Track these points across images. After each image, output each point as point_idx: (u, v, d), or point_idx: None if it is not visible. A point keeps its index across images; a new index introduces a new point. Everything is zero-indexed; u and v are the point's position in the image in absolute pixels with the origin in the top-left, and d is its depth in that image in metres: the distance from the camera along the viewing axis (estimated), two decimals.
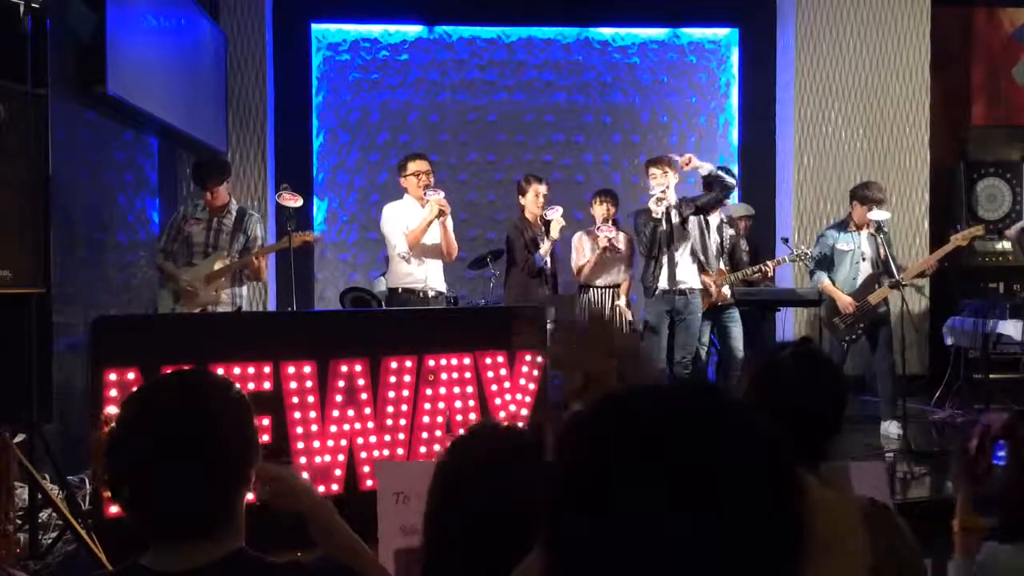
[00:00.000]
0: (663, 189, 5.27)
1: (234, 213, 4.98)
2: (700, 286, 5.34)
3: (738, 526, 0.67)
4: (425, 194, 4.97)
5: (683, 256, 5.32)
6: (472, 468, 1.37)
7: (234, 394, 1.38)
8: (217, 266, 4.83)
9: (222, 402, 1.35)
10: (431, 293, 5.09)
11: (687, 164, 5.24)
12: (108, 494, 3.11)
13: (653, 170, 5.39)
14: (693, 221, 5.36)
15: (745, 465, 0.69)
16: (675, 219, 5.29)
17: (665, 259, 5.28)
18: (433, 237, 5.02)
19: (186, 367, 3.17)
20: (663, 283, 5.29)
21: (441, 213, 4.91)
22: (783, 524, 0.70)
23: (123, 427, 1.31)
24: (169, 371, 3.16)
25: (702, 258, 5.37)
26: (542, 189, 5.52)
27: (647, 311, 5.40)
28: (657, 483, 0.67)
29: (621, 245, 5.35)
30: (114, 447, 1.30)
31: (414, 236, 4.98)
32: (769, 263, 5.68)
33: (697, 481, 0.67)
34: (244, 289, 5.02)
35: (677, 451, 0.68)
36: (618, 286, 5.40)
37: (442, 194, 4.96)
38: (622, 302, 5.47)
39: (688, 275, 5.32)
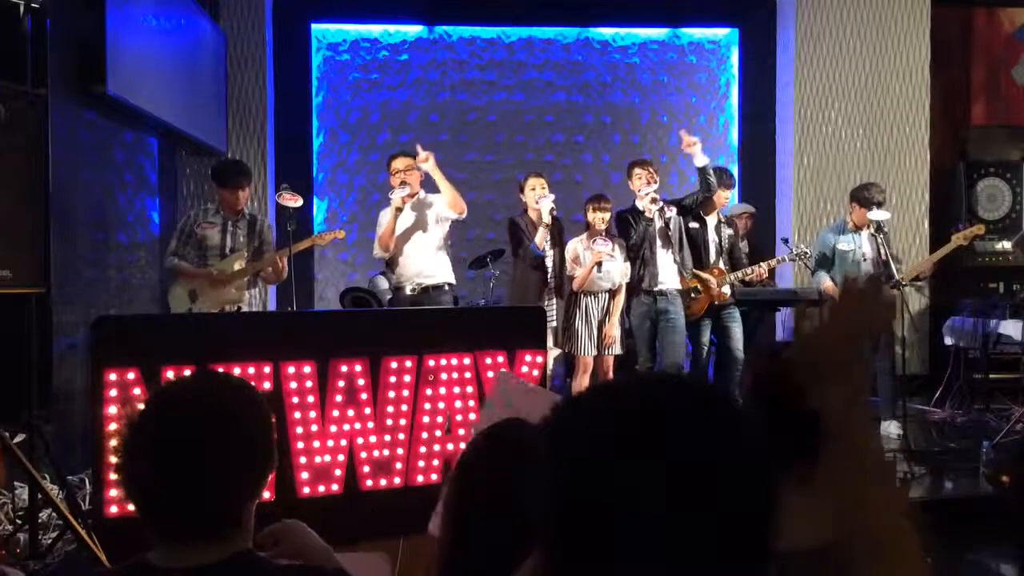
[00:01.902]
0: (655, 189, 5.32)
1: (247, 217, 5.05)
2: (680, 287, 5.39)
3: (724, 523, 0.67)
4: (391, 193, 5.02)
5: (665, 257, 5.38)
6: (496, 463, 1.37)
7: (250, 396, 1.38)
8: (237, 266, 4.87)
9: (237, 404, 1.34)
10: (420, 287, 5.08)
11: (690, 145, 5.29)
12: (113, 493, 3.11)
13: (638, 171, 5.45)
14: (675, 221, 5.41)
15: (733, 464, 0.69)
16: (659, 222, 5.33)
17: (649, 260, 5.34)
18: (405, 225, 5.06)
19: (186, 367, 3.19)
20: (645, 284, 5.37)
21: (398, 210, 4.97)
22: (764, 520, 0.70)
23: (137, 427, 1.31)
24: (171, 372, 3.18)
25: (680, 258, 5.41)
26: (539, 182, 5.54)
27: (631, 313, 5.43)
28: (641, 481, 0.67)
29: (617, 254, 5.34)
30: (126, 447, 1.30)
31: (382, 239, 5.06)
32: (764, 265, 5.69)
33: (683, 480, 0.67)
34: (256, 291, 5.06)
35: (661, 451, 0.68)
36: (615, 290, 5.38)
37: (407, 190, 4.99)
38: (620, 302, 5.44)
39: (669, 277, 5.38)
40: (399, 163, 5.12)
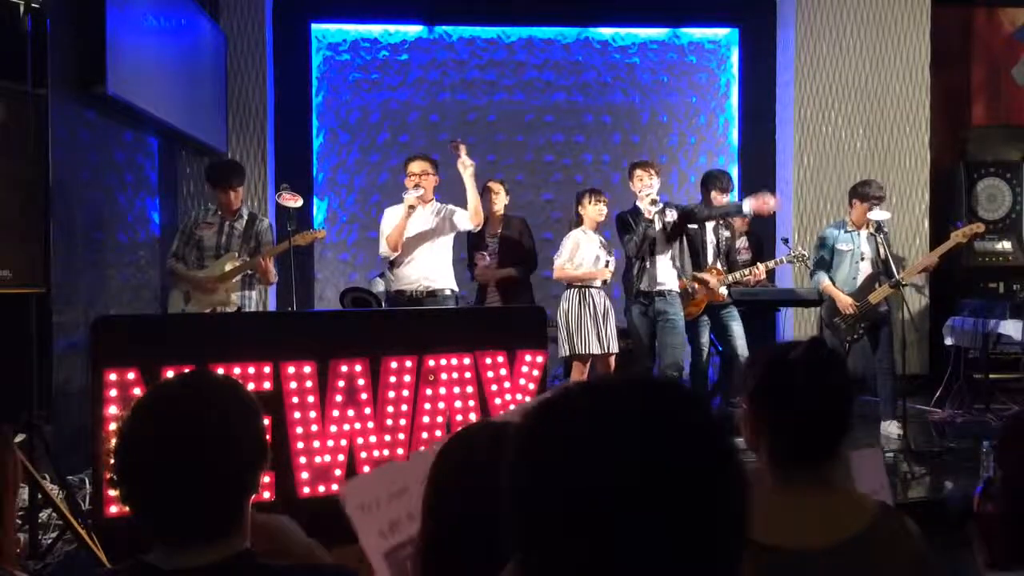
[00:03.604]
0: (657, 191, 5.31)
1: (245, 217, 5.03)
2: (678, 289, 5.38)
3: (687, 527, 0.67)
4: (404, 194, 5.02)
5: (664, 259, 5.36)
6: (471, 463, 1.37)
7: (242, 396, 1.38)
8: (228, 267, 4.86)
9: (229, 404, 1.34)
10: (425, 292, 5.07)
11: (768, 212, 5.30)
12: (112, 493, 3.11)
13: (639, 172, 5.43)
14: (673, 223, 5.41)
15: (696, 468, 0.69)
16: (658, 224, 5.32)
17: (648, 261, 5.33)
18: (416, 229, 5.05)
19: (186, 367, 3.18)
20: (644, 285, 5.33)
21: (411, 208, 4.99)
22: (730, 523, 0.70)
23: (130, 428, 1.31)
24: (171, 372, 3.18)
25: (680, 260, 5.42)
26: (496, 187, 5.73)
27: (629, 314, 5.43)
28: (608, 486, 0.67)
29: (603, 253, 5.37)
30: (121, 448, 1.30)
31: (391, 238, 5.04)
32: (760, 266, 5.68)
33: (648, 483, 0.67)
34: (253, 293, 5.03)
35: (632, 452, 0.68)
36: (603, 284, 5.37)
37: (421, 191, 5.01)
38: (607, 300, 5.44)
39: (667, 277, 5.36)
40: (416, 166, 5.13)
